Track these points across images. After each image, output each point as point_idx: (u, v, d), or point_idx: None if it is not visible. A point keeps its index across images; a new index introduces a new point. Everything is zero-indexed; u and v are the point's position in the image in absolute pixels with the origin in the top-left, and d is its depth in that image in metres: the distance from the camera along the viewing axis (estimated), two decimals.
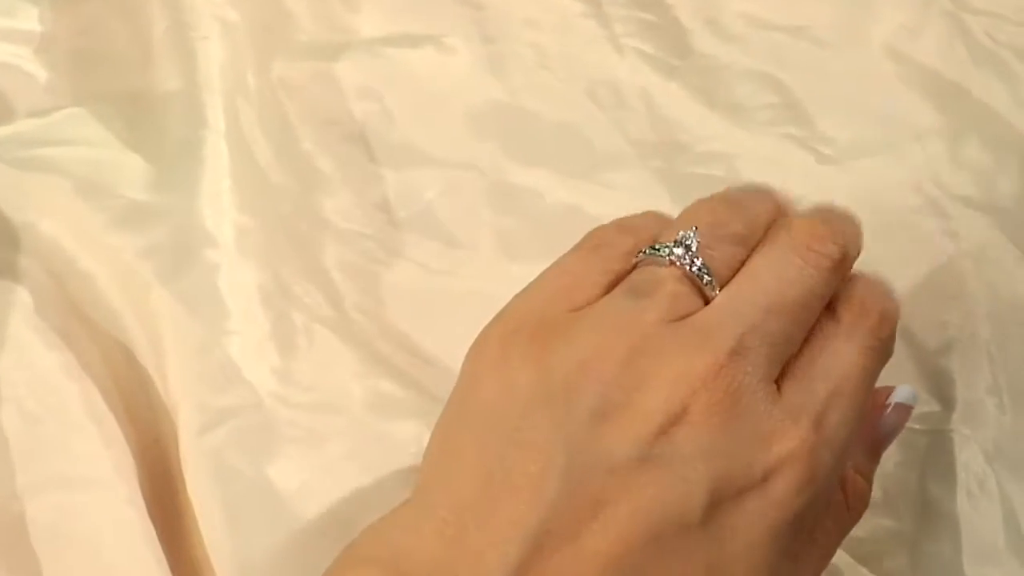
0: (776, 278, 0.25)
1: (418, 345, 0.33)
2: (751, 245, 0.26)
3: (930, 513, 0.31)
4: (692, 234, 0.25)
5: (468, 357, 0.25)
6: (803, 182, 0.34)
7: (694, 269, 0.25)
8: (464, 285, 0.34)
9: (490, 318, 0.26)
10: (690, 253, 0.25)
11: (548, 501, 0.22)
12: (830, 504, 0.25)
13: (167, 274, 0.33)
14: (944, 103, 0.36)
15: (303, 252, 0.34)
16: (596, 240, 0.27)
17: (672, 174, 0.36)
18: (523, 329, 0.25)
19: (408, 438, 0.31)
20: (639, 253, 0.26)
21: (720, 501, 0.23)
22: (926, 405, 0.32)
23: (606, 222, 0.27)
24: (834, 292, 0.26)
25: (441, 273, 0.35)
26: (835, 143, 0.36)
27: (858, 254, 0.27)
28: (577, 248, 0.27)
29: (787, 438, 0.23)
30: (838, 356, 0.25)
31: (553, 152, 0.36)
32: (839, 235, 0.26)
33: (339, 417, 0.32)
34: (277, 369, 0.32)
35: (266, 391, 0.32)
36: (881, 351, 0.26)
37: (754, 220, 0.26)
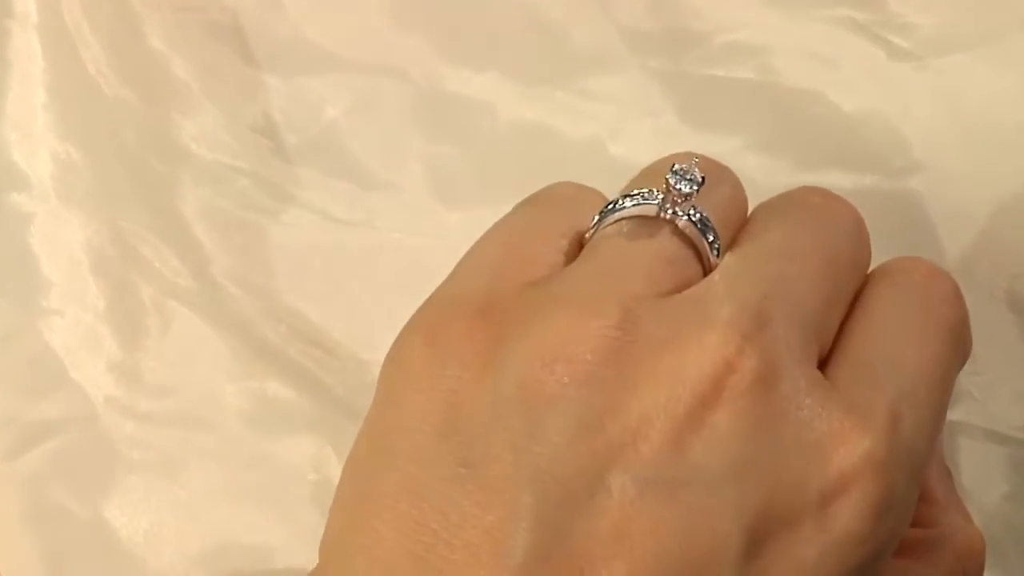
0: (799, 221, 0.25)
1: (318, 329, 0.33)
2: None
3: None
4: (691, 167, 0.24)
5: (388, 361, 0.24)
6: (867, 87, 0.33)
7: (692, 220, 0.24)
8: (382, 241, 0.33)
9: (420, 287, 0.25)
10: (684, 199, 0.24)
11: (516, 565, 0.21)
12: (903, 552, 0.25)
13: None
14: None
15: (152, 196, 0.34)
16: (556, 192, 0.26)
17: (680, 78, 0.34)
18: (459, 317, 0.23)
19: (303, 461, 0.31)
20: (612, 204, 0.25)
21: (762, 537, 0.22)
22: None
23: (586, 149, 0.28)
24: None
25: (350, 225, 0.33)
26: (915, 32, 0.34)
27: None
28: (530, 201, 0.26)
29: (852, 444, 0.22)
30: (904, 331, 0.24)
31: (508, 49, 0.35)
32: None
33: (205, 433, 0.31)
34: (117, 365, 0.32)
35: (101, 396, 0.31)
36: (958, 323, 0.25)
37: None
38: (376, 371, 0.26)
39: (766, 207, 0.26)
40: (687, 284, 0.24)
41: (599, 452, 0.22)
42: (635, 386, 0.22)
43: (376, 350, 0.24)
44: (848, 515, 0.22)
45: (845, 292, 0.25)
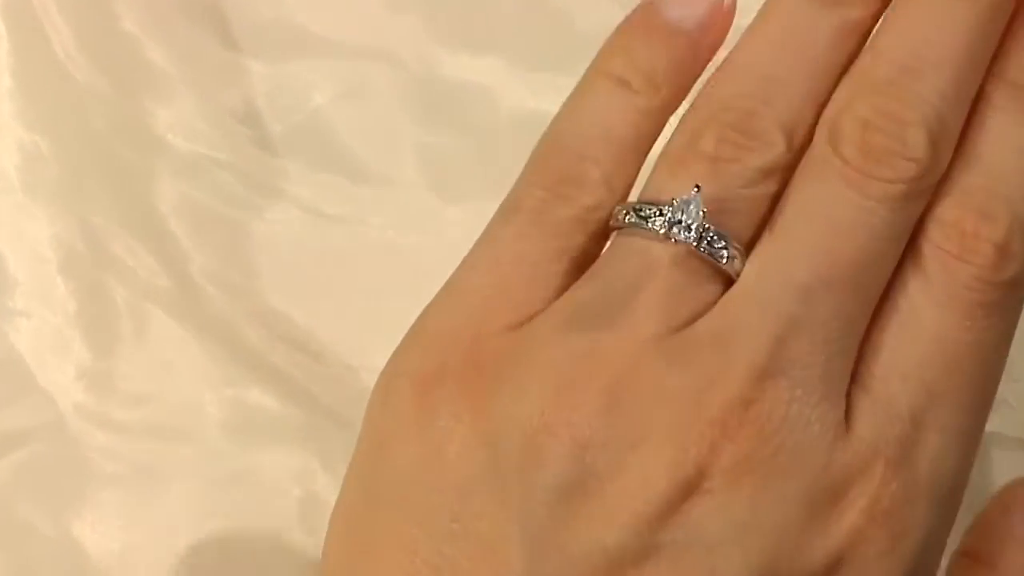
0: (821, 231, 0.23)
1: (304, 333, 0.32)
2: (788, 162, 0.24)
3: None
4: (694, 196, 0.23)
5: (376, 404, 0.24)
6: None
7: (703, 245, 0.23)
8: (374, 239, 0.33)
9: (415, 289, 0.25)
10: (695, 220, 0.23)
11: None
12: None
13: None
14: None
15: (125, 190, 0.33)
16: (540, 188, 0.24)
17: None
18: (450, 364, 0.23)
19: (288, 475, 0.30)
20: (617, 214, 0.24)
21: None
22: None
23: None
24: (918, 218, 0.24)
25: (339, 221, 0.33)
26: None
27: (952, 139, 0.23)
28: (511, 210, 0.25)
29: (860, 490, 0.22)
30: (930, 333, 0.23)
31: (509, 32, 0.34)
32: (915, 128, 0.23)
33: (182, 445, 0.31)
34: (88, 371, 0.31)
35: (71, 404, 0.31)
36: (1005, 308, 0.24)
37: (793, 112, 0.24)
38: (367, 378, 0.27)
39: (805, 167, 0.24)
40: (706, 304, 0.23)
41: (596, 514, 0.22)
42: (635, 446, 0.22)
43: (366, 356, 0.25)
44: (860, 566, 0.22)
45: (882, 283, 0.24)
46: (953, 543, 0.27)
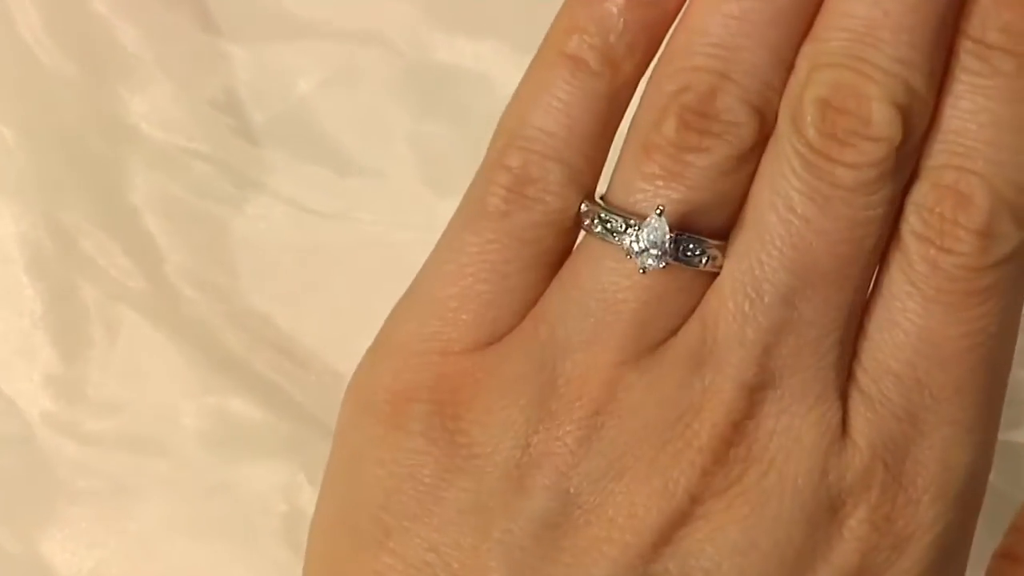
0: (793, 226, 0.22)
1: (289, 337, 0.32)
2: (762, 139, 0.22)
3: None
4: (659, 221, 0.22)
5: (343, 416, 0.24)
6: None
7: (678, 255, 0.22)
8: (363, 235, 0.32)
9: (404, 292, 0.24)
10: (660, 246, 0.22)
11: None
12: None
13: None
14: None
15: (96, 184, 0.33)
16: (503, 187, 0.23)
17: None
18: (420, 387, 0.23)
19: (271, 489, 0.30)
20: (584, 215, 0.23)
21: None
22: None
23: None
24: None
25: (326, 217, 0.33)
26: None
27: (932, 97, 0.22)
28: (475, 213, 0.24)
29: (863, 503, 0.22)
30: (920, 329, 0.22)
31: (507, 13, 0.34)
32: (879, 104, 0.21)
33: (159, 457, 0.31)
34: (56, 378, 0.31)
35: (38, 413, 0.31)
36: (1002, 290, 0.22)
37: (759, 83, 0.22)
38: None
39: (772, 146, 0.23)
40: (688, 308, 0.23)
41: (583, 547, 0.22)
42: (620, 475, 0.22)
43: (355, 362, 0.24)
44: None
45: (872, 266, 0.23)
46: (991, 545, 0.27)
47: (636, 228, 0.22)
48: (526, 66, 0.31)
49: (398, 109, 0.33)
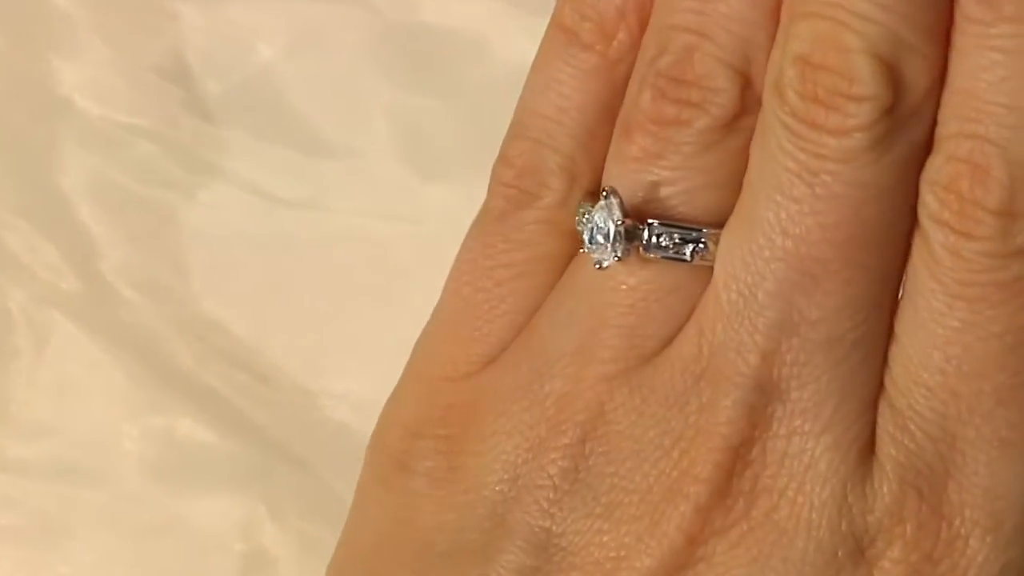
0: (787, 210, 0.22)
1: (248, 348, 0.31)
2: (750, 103, 0.22)
3: None
4: (609, 209, 0.22)
5: (368, 449, 0.24)
6: None
7: (666, 247, 0.22)
8: (336, 227, 0.31)
9: (389, 289, 0.26)
10: (617, 242, 0.22)
11: None
12: None
13: None
14: None
15: (22, 167, 0.32)
16: (505, 181, 0.24)
17: None
18: (429, 423, 0.23)
19: (227, 525, 0.30)
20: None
21: None
22: None
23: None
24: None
25: (292, 205, 0.31)
26: None
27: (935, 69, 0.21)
28: (482, 209, 0.24)
29: (891, 534, 0.21)
30: (949, 331, 0.21)
31: None
32: (860, 56, 0.20)
33: (95, 489, 0.30)
34: None
35: None
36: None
37: (739, 40, 0.22)
38: (327, 405, 0.27)
39: (759, 124, 0.22)
40: (688, 309, 0.22)
41: None
42: (609, 513, 0.22)
43: (325, 378, 0.25)
44: None
45: (890, 268, 0.22)
46: None
47: (587, 216, 0.23)
48: (525, 27, 0.31)
49: (376, 78, 0.32)
